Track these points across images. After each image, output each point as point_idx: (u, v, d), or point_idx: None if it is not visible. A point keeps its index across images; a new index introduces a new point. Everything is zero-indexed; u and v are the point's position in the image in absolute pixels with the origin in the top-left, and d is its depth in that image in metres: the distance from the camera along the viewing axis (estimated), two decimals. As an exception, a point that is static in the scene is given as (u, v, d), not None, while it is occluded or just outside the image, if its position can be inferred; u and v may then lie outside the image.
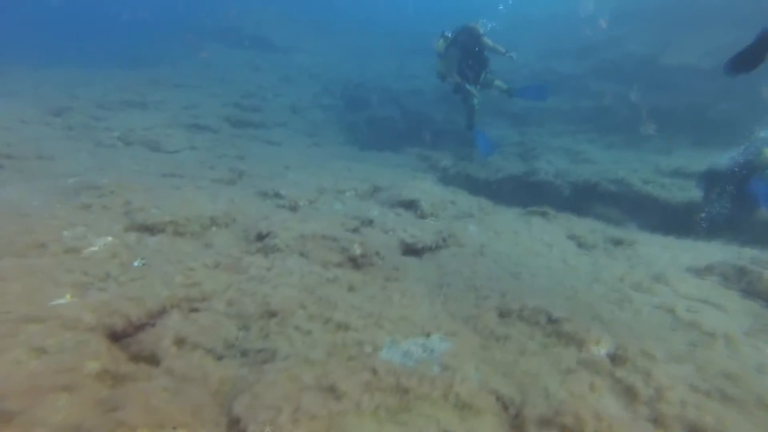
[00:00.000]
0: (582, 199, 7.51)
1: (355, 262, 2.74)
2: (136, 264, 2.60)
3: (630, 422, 1.66)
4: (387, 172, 6.60)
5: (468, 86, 7.99)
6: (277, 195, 4.17)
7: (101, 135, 6.23)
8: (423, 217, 4.44)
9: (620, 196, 7.23)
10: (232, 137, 8.19)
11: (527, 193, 8.12)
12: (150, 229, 3.00)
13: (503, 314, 2.25)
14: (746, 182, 5.23)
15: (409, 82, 13.79)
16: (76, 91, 8.68)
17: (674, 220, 6.45)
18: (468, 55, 7.90)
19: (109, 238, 2.80)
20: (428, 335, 1.98)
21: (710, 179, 5.80)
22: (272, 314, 2.05)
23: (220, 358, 1.81)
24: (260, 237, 2.99)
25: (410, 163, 7.73)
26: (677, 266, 3.46)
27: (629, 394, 1.80)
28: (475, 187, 8.07)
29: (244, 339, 1.90)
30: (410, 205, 4.63)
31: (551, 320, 2.17)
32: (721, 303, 2.82)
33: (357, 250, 2.77)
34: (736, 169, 5.29)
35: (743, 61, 2.91)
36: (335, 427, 1.37)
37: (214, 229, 3.22)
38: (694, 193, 6.73)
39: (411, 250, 3.31)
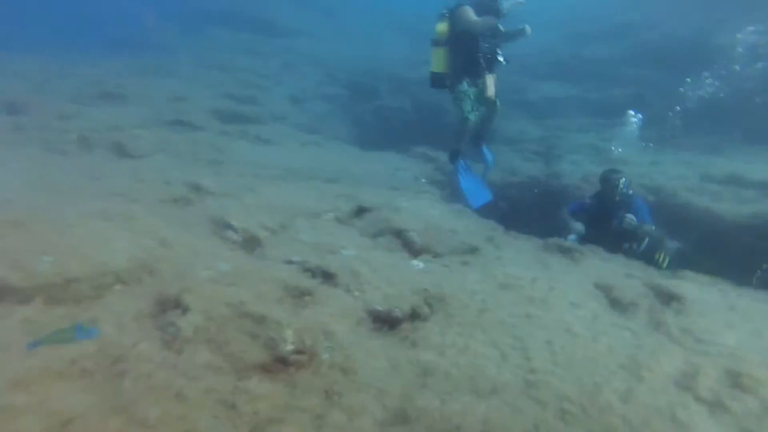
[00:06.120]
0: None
1: (285, 362, 1.88)
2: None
3: None
4: (381, 183, 5.69)
5: (467, 87, 5.75)
6: (229, 227, 3.34)
7: (56, 136, 5.49)
8: (414, 253, 3.55)
9: (658, 207, 6.16)
10: (217, 135, 7.39)
11: (549, 200, 7.10)
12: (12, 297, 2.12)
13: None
14: None
15: (421, 69, 12.68)
16: (49, 82, 7.98)
17: (733, 243, 5.40)
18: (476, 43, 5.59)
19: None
20: None
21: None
22: None
23: None
24: (167, 308, 2.16)
25: (413, 167, 6.79)
26: (758, 354, 2.45)
27: None
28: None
29: None
30: (399, 235, 3.74)
31: None
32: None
33: (288, 345, 1.91)
34: None
35: None
36: None
37: (118, 287, 2.41)
38: (759, 205, 5.66)
39: (381, 322, 2.44)
